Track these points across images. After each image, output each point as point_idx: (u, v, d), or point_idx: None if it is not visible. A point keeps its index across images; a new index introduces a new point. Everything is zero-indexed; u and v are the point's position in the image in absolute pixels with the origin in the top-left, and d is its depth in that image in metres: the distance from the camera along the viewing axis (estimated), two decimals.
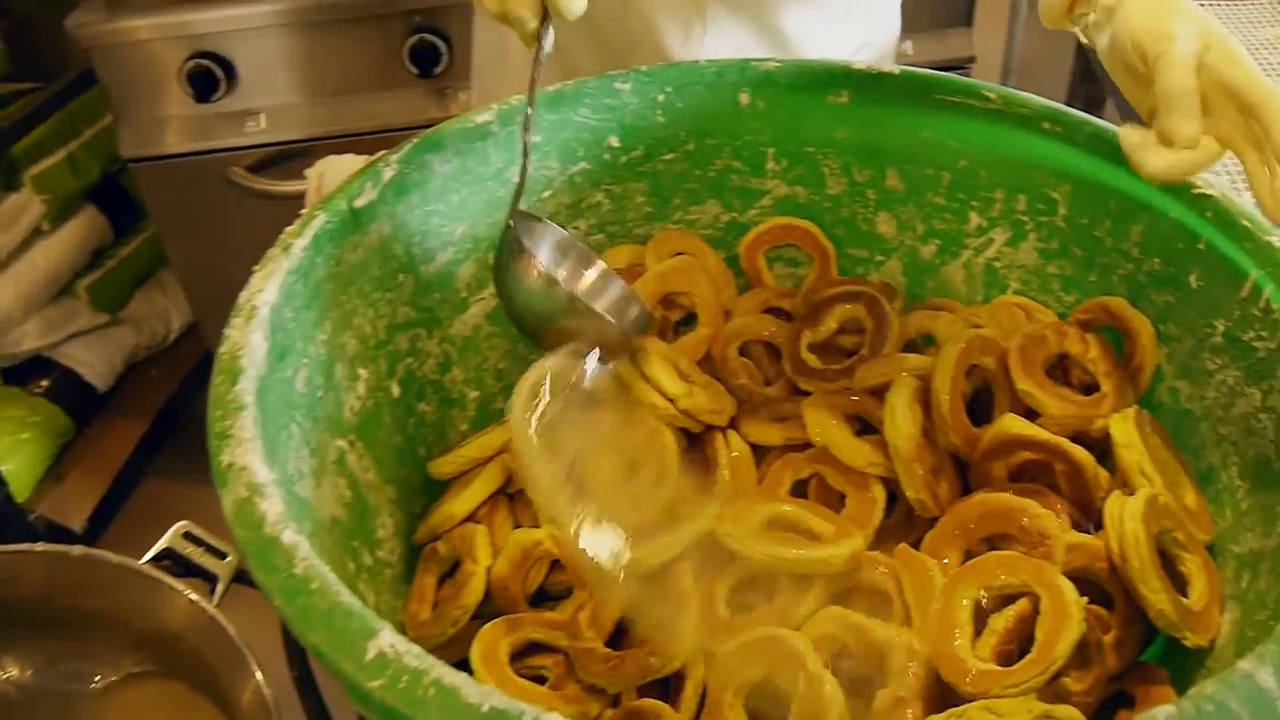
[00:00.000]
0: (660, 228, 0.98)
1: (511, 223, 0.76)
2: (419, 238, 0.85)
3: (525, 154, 0.77)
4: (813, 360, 0.86)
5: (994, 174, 0.90)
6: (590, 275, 0.84)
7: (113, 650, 0.88)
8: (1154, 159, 0.67)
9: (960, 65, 1.53)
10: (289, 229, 0.75)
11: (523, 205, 0.91)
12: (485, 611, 0.78)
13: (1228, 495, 0.73)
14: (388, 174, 0.81)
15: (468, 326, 0.91)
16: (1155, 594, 0.64)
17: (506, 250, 0.76)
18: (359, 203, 0.79)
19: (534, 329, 0.77)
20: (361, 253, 0.80)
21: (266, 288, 0.70)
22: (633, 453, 0.80)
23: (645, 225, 0.98)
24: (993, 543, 0.72)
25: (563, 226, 0.94)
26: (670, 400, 0.81)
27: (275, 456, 0.65)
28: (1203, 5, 0.68)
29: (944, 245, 0.95)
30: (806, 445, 0.81)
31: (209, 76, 1.55)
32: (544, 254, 0.81)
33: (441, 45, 1.61)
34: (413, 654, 0.49)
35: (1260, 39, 1.36)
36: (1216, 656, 0.65)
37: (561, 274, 0.82)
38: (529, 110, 0.77)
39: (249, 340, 0.66)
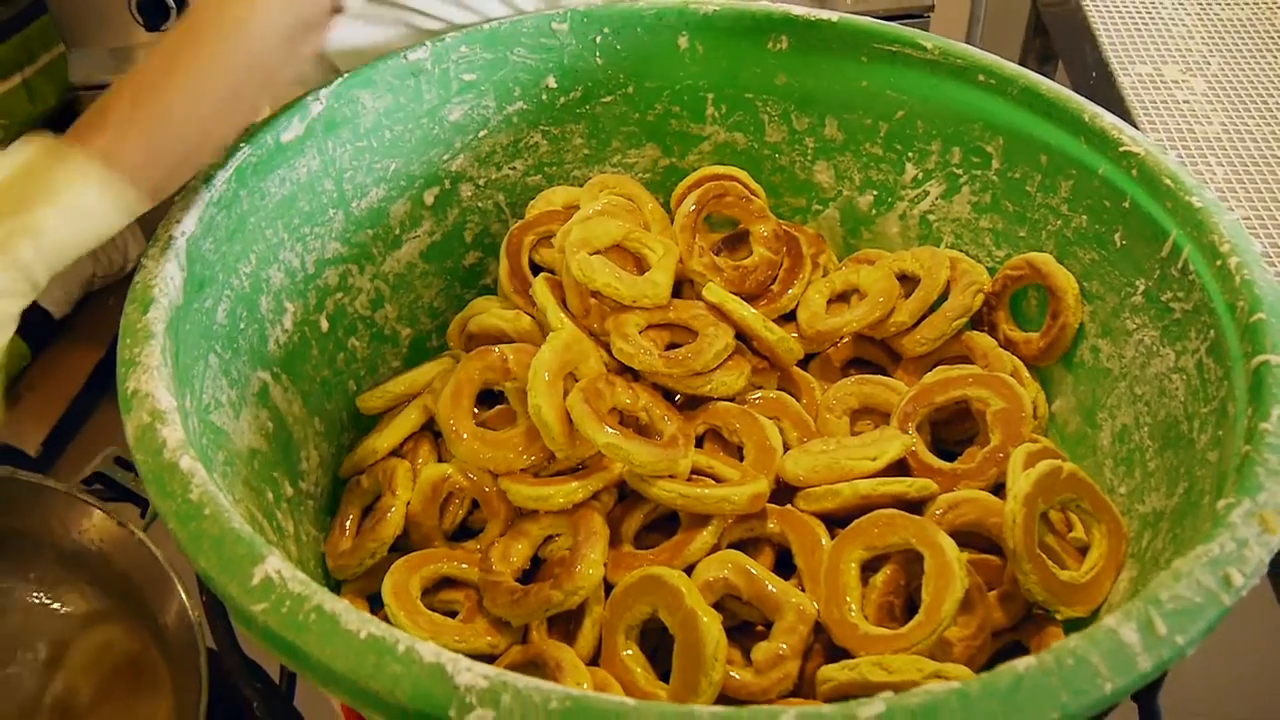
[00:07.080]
0: (598, 170, 0.98)
1: None
2: (350, 173, 0.85)
3: None
4: (722, 261, 0.87)
5: (930, 125, 0.90)
6: None
7: (39, 568, 0.89)
8: None
9: (919, 14, 1.51)
10: (213, 161, 0.75)
11: (458, 145, 0.91)
12: (406, 545, 0.78)
13: (1138, 455, 0.73)
14: (316, 108, 0.81)
15: (401, 264, 0.91)
16: (1024, 575, 0.66)
17: None
18: (285, 137, 0.78)
19: None
20: (289, 187, 0.80)
21: (184, 219, 0.70)
22: None
23: (583, 168, 0.97)
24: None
25: (498, 167, 0.94)
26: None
27: (188, 385, 0.66)
28: None
29: (880, 196, 0.95)
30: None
31: (159, 3, 1.52)
32: None
33: None
34: (297, 580, 0.49)
35: None
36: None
37: None
38: None
39: (163, 270, 0.66)
